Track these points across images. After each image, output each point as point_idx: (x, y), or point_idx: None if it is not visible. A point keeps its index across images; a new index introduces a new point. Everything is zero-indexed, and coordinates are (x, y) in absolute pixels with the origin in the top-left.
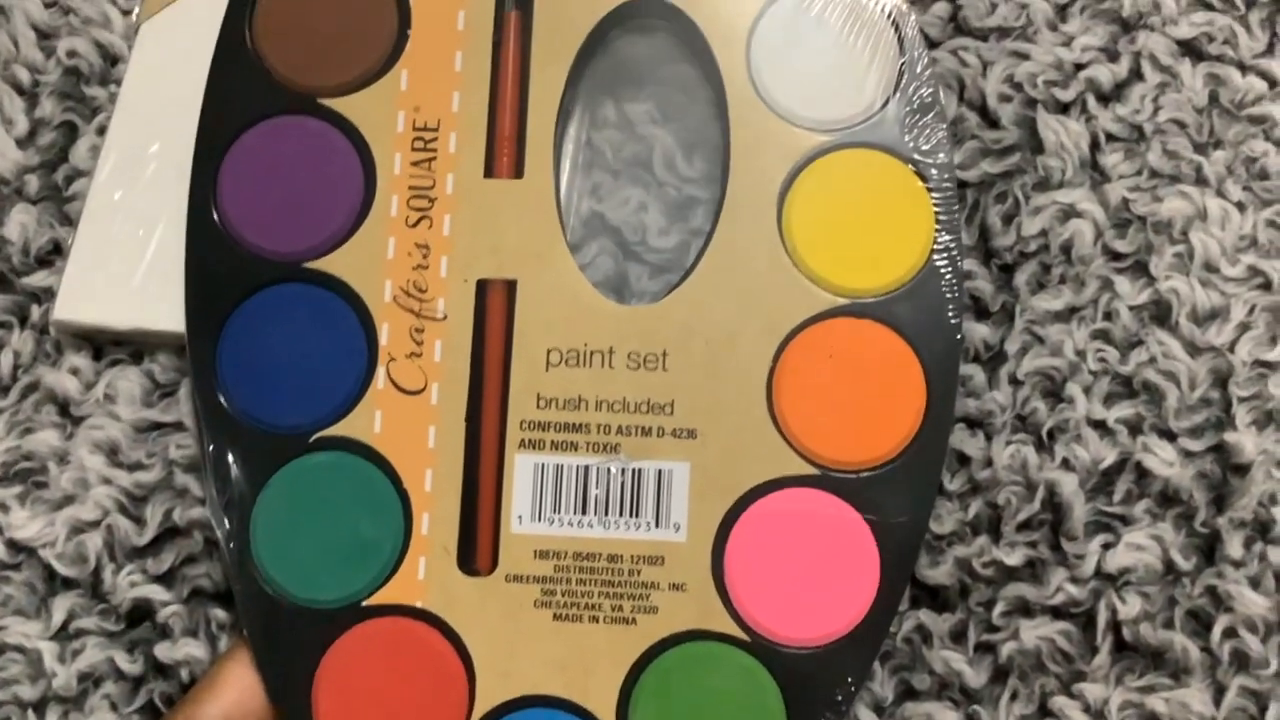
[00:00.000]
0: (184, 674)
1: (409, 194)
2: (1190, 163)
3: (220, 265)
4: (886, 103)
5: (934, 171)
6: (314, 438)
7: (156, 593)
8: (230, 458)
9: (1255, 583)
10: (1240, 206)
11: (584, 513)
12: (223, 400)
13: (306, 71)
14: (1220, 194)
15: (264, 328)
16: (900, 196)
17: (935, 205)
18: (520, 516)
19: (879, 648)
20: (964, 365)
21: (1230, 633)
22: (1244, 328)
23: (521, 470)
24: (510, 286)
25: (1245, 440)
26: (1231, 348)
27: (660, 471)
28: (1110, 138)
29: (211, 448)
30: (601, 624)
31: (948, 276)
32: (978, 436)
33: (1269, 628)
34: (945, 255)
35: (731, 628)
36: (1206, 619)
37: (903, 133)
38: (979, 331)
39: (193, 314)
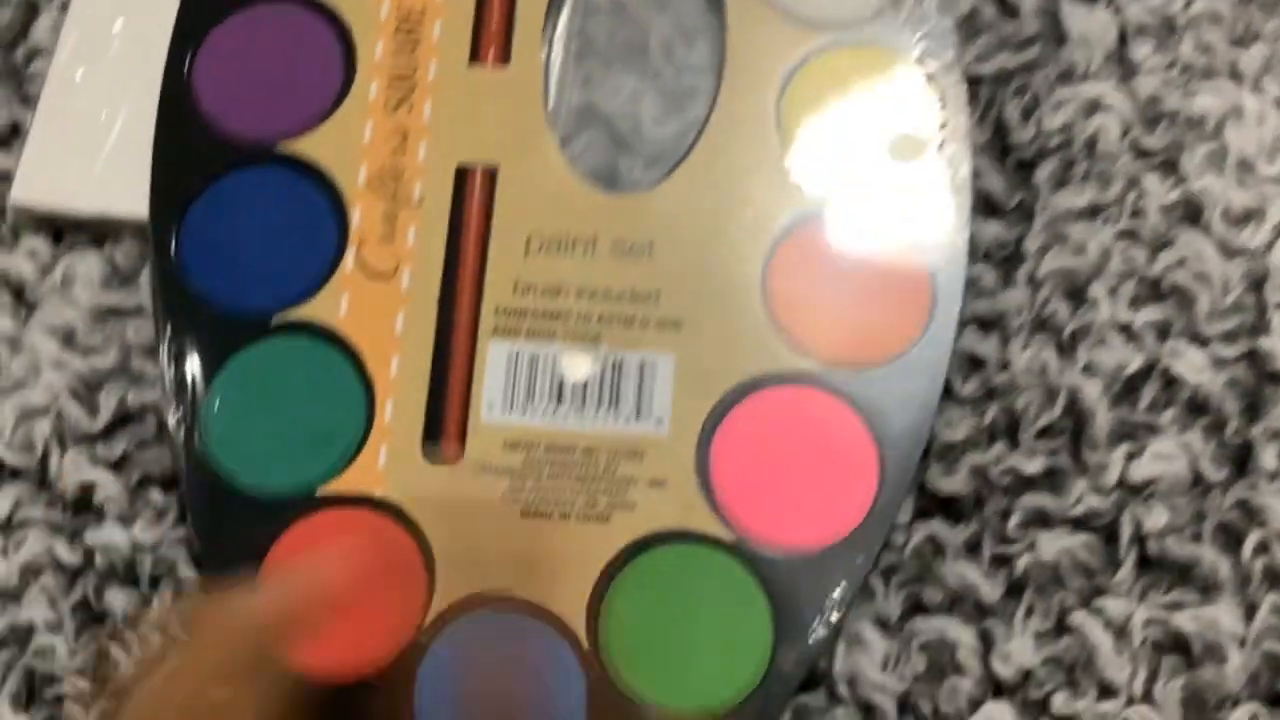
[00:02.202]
0: (99, 559)
1: (389, 79)
2: (1225, 57)
3: (191, 146)
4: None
5: (938, 67)
6: (276, 320)
7: (102, 478)
8: (187, 340)
9: None
10: (1277, 103)
11: (559, 402)
12: (182, 280)
13: None
14: (1257, 89)
15: (231, 210)
16: (904, 93)
17: (941, 101)
18: (491, 404)
19: (875, 557)
20: (974, 265)
21: (1262, 548)
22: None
23: (495, 357)
24: (491, 173)
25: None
26: (1267, 250)
27: (643, 362)
28: (1140, 29)
29: (169, 328)
30: (574, 521)
31: (953, 172)
32: (991, 339)
33: None
34: (951, 150)
35: (715, 527)
36: (1237, 533)
37: (909, 30)
38: (990, 230)
39: (158, 193)
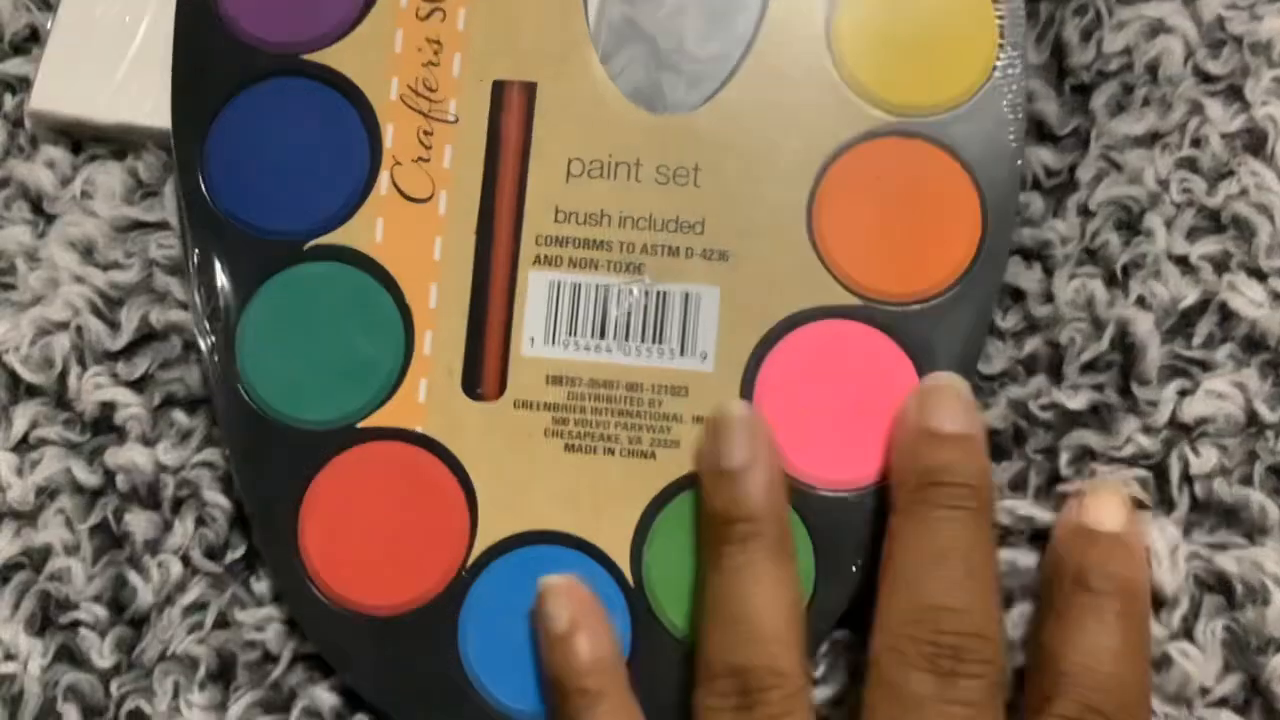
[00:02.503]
0: (120, 480)
1: None
2: None
3: (212, 54)
4: None
5: None
6: (309, 245)
7: (124, 396)
8: (216, 263)
9: None
10: None
11: (602, 337)
12: (210, 200)
13: None
14: None
15: (258, 124)
16: (961, 6)
17: (1000, 16)
18: (532, 339)
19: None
20: (1023, 194)
21: None
22: None
23: (535, 288)
24: (529, 89)
25: None
26: None
27: (687, 295)
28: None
29: (196, 251)
30: (617, 457)
31: (1010, 96)
32: (1034, 269)
33: None
34: (1008, 72)
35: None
36: None
37: None
38: (1041, 156)
39: (180, 107)
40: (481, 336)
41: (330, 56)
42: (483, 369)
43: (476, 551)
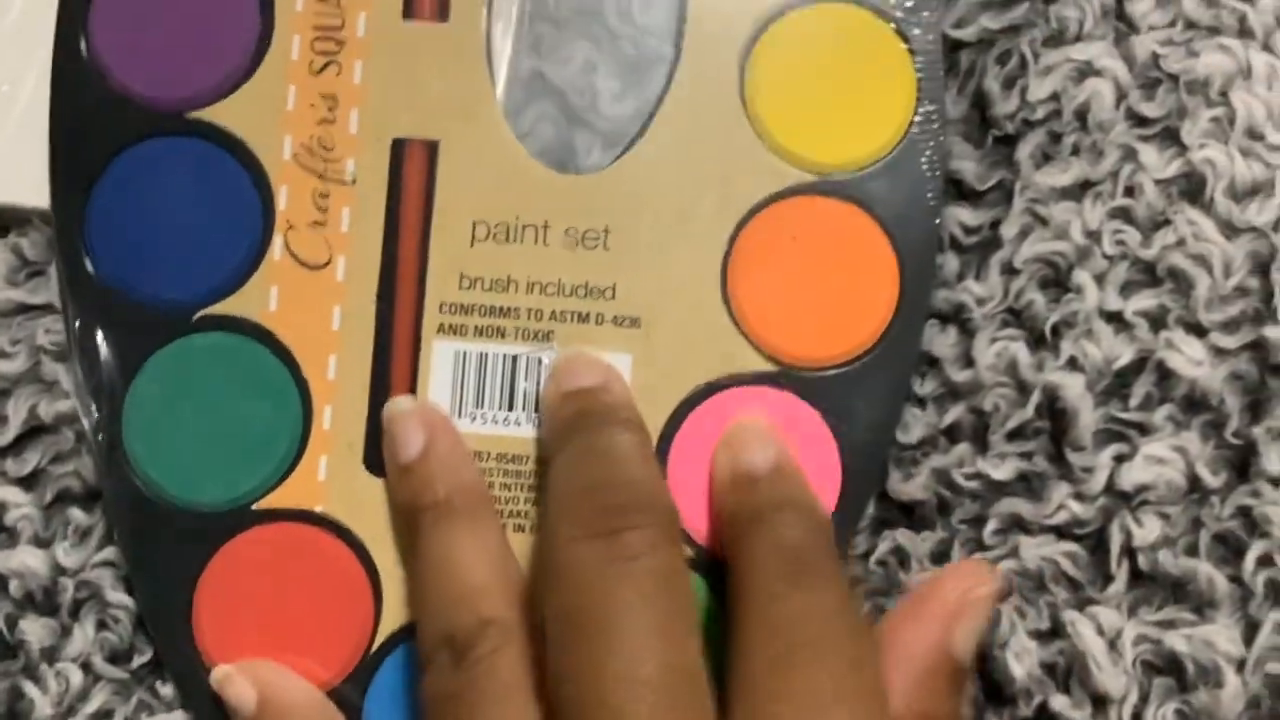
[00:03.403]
0: (14, 586)
1: (313, 35)
2: (1233, 11)
3: (91, 113)
4: None
5: (918, 31)
6: (198, 315)
7: (13, 495)
8: (99, 336)
9: None
10: None
11: (510, 409)
12: (91, 269)
13: None
14: (1267, 48)
15: (141, 186)
16: (879, 60)
17: (918, 70)
18: None
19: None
20: (940, 254)
21: (1265, 561)
22: None
23: (440, 358)
24: (431, 148)
25: None
26: (1275, 227)
27: None
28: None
29: (78, 324)
30: (529, 534)
31: (929, 152)
32: (949, 333)
33: None
34: (926, 128)
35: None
36: (1237, 545)
37: None
38: (957, 214)
39: (58, 170)
40: (382, 410)
41: (218, 113)
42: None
43: (381, 637)
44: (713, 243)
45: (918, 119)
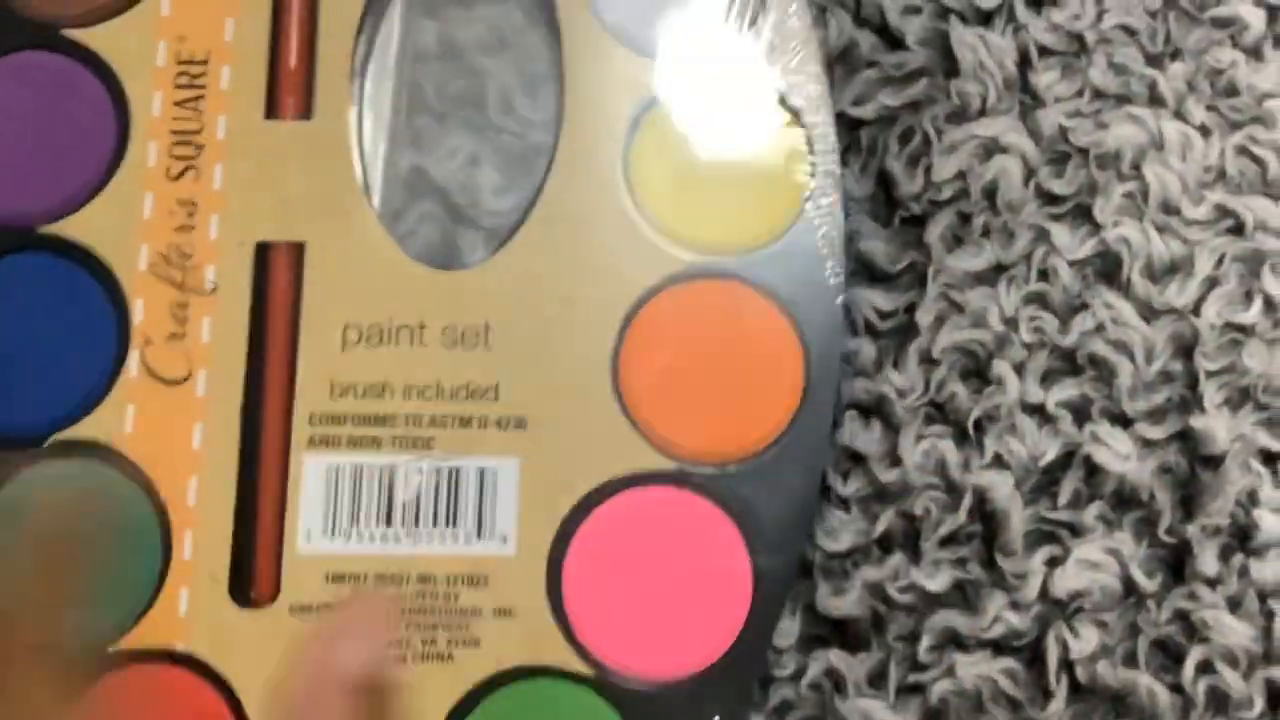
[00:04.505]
0: None
1: (171, 140)
2: (1142, 79)
3: None
4: (751, 24)
5: (804, 105)
6: (49, 441)
7: None
8: None
9: (1235, 604)
10: (1204, 131)
11: (389, 524)
12: None
13: (51, 3)
14: (1179, 116)
15: None
16: (767, 136)
17: (809, 146)
18: (309, 531)
19: (753, 683)
20: (853, 339)
21: (1205, 667)
22: (1211, 283)
23: (311, 474)
24: (297, 250)
25: (1216, 425)
26: (1196, 309)
27: (483, 470)
28: (1044, 51)
29: None
30: (411, 663)
31: (824, 230)
32: (874, 428)
33: (1252, 660)
34: (820, 203)
35: (571, 661)
36: (1176, 651)
37: (767, 61)
38: (869, 298)
39: None
40: (252, 533)
41: (69, 226)
42: (254, 571)
43: None
44: (602, 334)
45: (810, 195)
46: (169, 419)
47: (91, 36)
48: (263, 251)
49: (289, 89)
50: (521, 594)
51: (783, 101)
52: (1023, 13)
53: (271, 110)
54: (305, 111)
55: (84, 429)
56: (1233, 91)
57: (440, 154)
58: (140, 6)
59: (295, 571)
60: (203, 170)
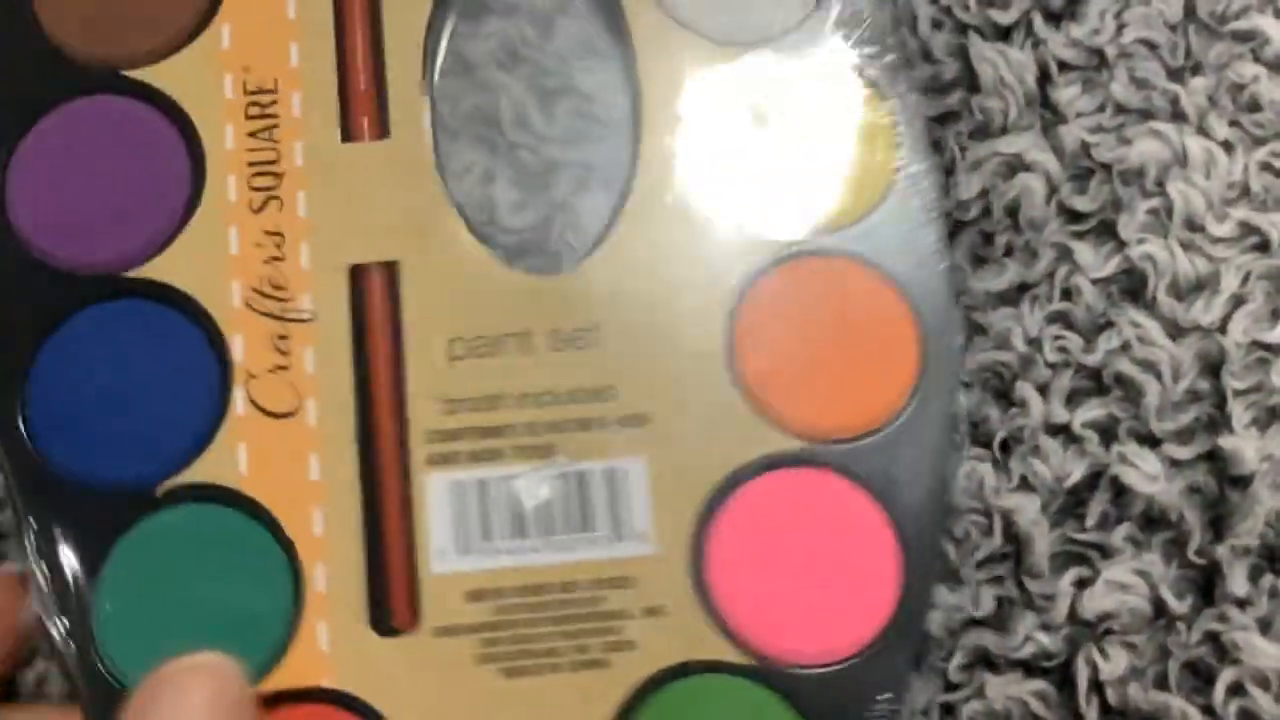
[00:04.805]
0: None
1: (250, 172)
2: (1164, 93)
3: (19, 288)
4: (818, 4)
5: (881, 76)
6: (162, 489)
7: None
8: (56, 531)
9: (1265, 625)
10: (1227, 146)
11: (523, 536)
12: (38, 460)
13: (103, 40)
14: (1202, 131)
15: (82, 359)
16: (849, 111)
17: (891, 116)
18: (442, 551)
19: (917, 649)
20: None
21: (1236, 689)
22: (1237, 301)
23: (435, 493)
24: (391, 269)
25: (1244, 445)
26: (1223, 327)
27: (611, 471)
28: (1064, 66)
29: (33, 522)
30: (565, 672)
31: (919, 198)
32: None
33: None
34: (913, 171)
35: (729, 653)
36: (1208, 673)
37: (840, 37)
38: None
39: None
40: (382, 560)
41: (157, 269)
42: (390, 598)
43: None
44: (711, 322)
45: (901, 163)
46: (283, 453)
47: (154, 75)
48: (356, 274)
49: (362, 110)
50: (668, 591)
51: (860, 74)
52: (1041, 28)
53: (347, 133)
54: (382, 131)
55: (197, 472)
56: (1255, 107)
57: (456, 169)
58: (200, 41)
59: (433, 594)
60: (285, 199)
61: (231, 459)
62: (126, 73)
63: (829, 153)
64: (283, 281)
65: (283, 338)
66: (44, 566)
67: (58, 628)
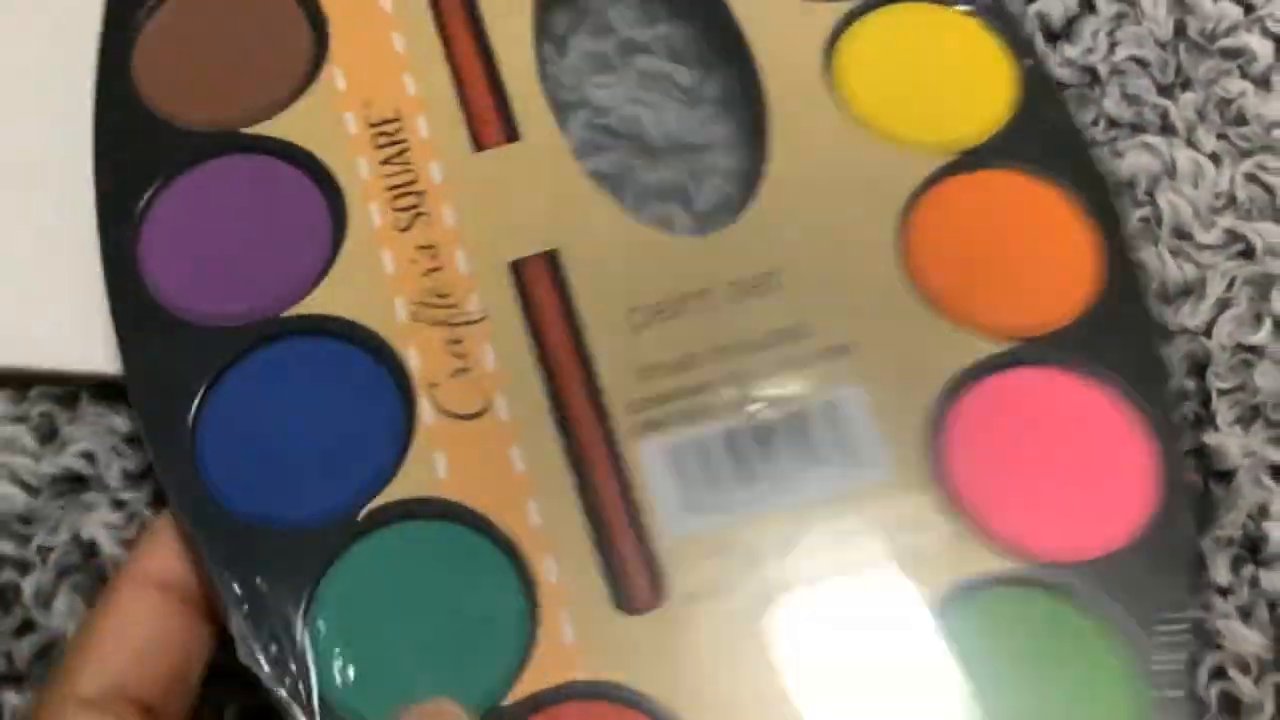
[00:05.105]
0: None
1: (389, 196)
2: (1155, 108)
3: (174, 358)
4: None
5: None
6: (363, 514)
7: None
8: (260, 583)
9: (1246, 614)
10: (1215, 158)
11: (752, 485)
12: (225, 513)
13: (216, 108)
14: (1191, 144)
15: (253, 408)
16: (963, 41)
17: (1004, 34)
18: (670, 517)
19: (1188, 541)
20: None
21: (1218, 673)
22: (1223, 305)
23: (652, 461)
24: (552, 257)
25: (1228, 442)
26: (1208, 330)
27: (827, 404)
28: (1059, 85)
29: (236, 584)
30: None
31: (1051, 106)
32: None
33: (1262, 667)
34: (1037, 78)
35: (997, 561)
36: (1190, 658)
37: None
38: None
39: (154, 427)
40: (611, 537)
41: (314, 304)
42: (627, 575)
43: None
44: (883, 245)
45: (1026, 77)
46: (482, 452)
47: (273, 128)
48: (518, 269)
49: (488, 121)
50: (919, 511)
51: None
52: (1039, 46)
53: (479, 144)
54: (511, 136)
55: (396, 491)
56: (1242, 120)
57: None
58: (314, 89)
59: (673, 561)
60: (432, 213)
61: (429, 469)
62: (245, 130)
63: (945, 75)
64: (446, 289)
65: (456, 342)
66: (256, 629)
67: (287, 688)
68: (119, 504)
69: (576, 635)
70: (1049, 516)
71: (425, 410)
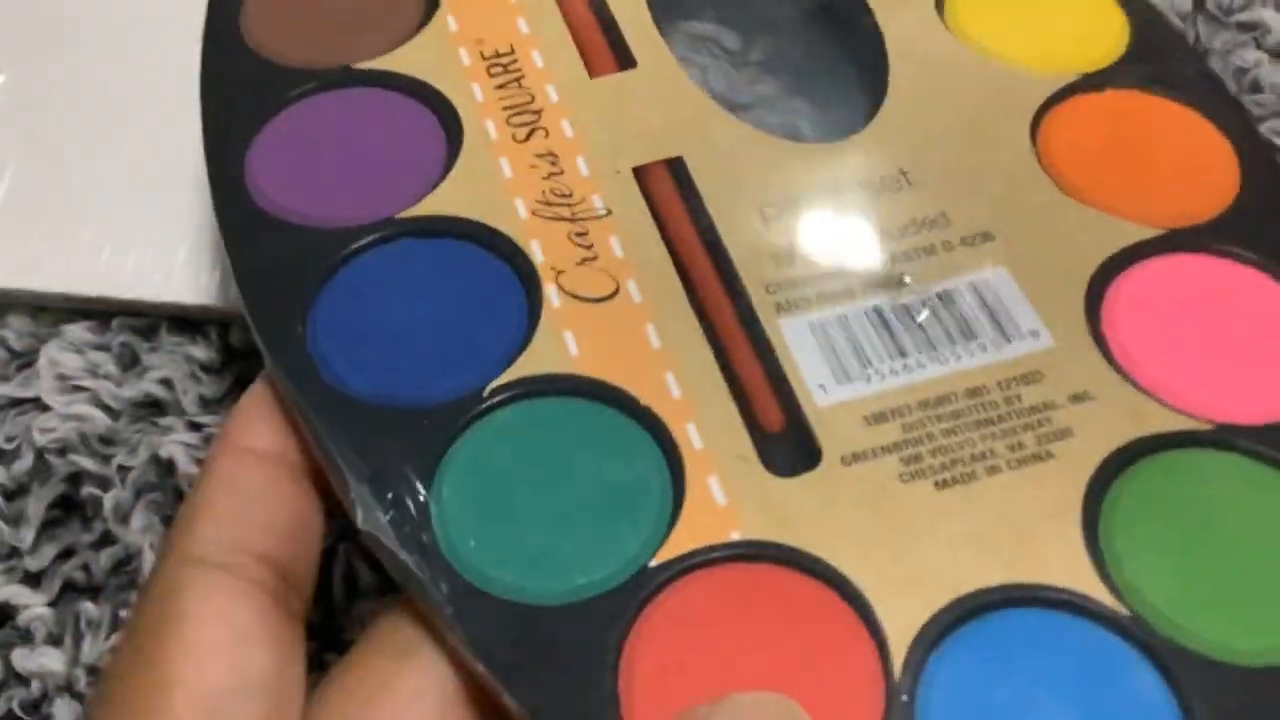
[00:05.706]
0: (35, 686)
1: (506, 114)
2: None
3: (286, 256)
4: None
5: None
6: (488, 390)
7: (20, 595)
8: (383, 455)
9: None
10: None
11: (903, 356)
12: (351, 395)
13: (327, 54)
14: None
15: (369, 298)
16: None
17: None
18: (823, 386)
19: None
20: None
21: None
22: None
23: (796, 336)
24: (676, 164)
25: None
26: None
27: (974, 284)
28: None
29: (358, 457)
30: (1007, 471)
31: (1161, 28)
32: None
33: None
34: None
35: (1182, 422)
36: None
37: None
38: None
39: (264, 320)
40: (755, 406)
41: (427, 206)
42: (776, 441)
43: (897, 663)
44: (1018, 143)
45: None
46: (615, 330)
47: (386, 62)
48: (641, 174)
49: (601, 54)
50: (1087, 376)
51: None
52: None
53: (592, 71)
54: (623, 63)
55: (524, 367)
56: (1257, 88)
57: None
58: (427, 30)
59: (827, 425)
60: (550, 128)
61: (559, 348)
62: (357, 66)
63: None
64: (567, 190)
65: (581, 234)
66: (388, 509)
67: (425, 575)
68: (195, 426)
69: (728, 498)
70: (1223, 382)
71: (552, 295)
